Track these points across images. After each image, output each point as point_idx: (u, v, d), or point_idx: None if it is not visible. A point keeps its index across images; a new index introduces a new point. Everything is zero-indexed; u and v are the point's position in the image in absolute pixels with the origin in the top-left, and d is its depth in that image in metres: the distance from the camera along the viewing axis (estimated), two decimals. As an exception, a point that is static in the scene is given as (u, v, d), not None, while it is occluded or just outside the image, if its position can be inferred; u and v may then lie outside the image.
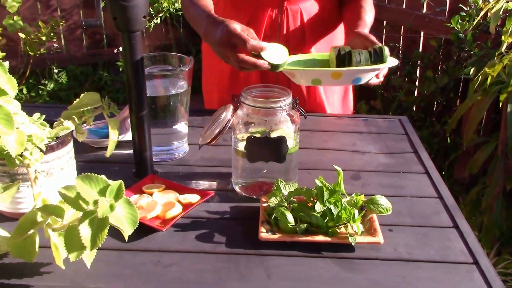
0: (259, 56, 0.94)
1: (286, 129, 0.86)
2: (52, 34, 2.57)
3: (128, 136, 1.07)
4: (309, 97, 1.25)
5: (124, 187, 0.68)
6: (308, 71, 0.98)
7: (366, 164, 1.04)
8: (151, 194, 0.89)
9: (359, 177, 0.99)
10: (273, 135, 0.85)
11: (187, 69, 0.97)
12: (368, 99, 2.54)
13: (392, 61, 1.00)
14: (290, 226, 0.78)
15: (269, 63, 0.94)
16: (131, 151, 1.01)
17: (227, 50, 0.95)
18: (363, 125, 1.22)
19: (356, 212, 0.78)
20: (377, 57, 0.98)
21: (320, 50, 1.22)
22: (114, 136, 0.83)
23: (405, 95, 2.37)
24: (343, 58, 0.99)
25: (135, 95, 0.89)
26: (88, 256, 0.68)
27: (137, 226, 0.67)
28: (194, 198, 0.88)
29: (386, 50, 0.99)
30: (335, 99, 1.31)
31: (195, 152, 1.06)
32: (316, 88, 1.24)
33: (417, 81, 2.42)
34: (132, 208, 0.67)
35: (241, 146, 0.87)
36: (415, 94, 2.40)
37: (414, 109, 2.37)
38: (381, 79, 1.04)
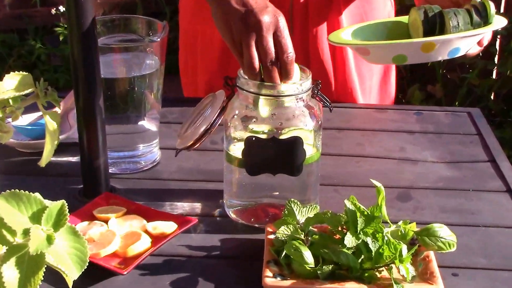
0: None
1: (303, 126, 0.87)
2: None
3: (73, 137, 1.08)
4: (337, 80, 1.27)
5: (67, 211, 0.69)
6: (388, 45, 0.98)
7: (419, 178, 1.05)
8: (106, 221, 0.90)
9: (409, 196, 1.00)
10: (284, 135, 0.86)
11: (159, 39, 0.98)
12: (423, 83, 2.56)
13: (499, 21, 0.98)
14: (308, 269, 0.79)
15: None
16: (77, 159, 1.02)
17: (267, 16, 0.85)
18: (416, 121, 1.23)
19: (404, 248, 0.79)
20: (479, 17, 0.97)
21: (355, 16, 1.23)
22: (52, 136, 0.84)
23: (479, 77, 2.38)
24: (433, 23, 0.98)
25: (83, 77, 0.90)
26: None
27: (86, 267, 0.68)
28: (168, 227, 0.89)
29: (492, 7, 0.97)
30: (374, 81, 1.33)
31: (170, 160, 1.07)
32: (345, 66, 1.25)
33: (496, 56, 2.43)
34: (79, 241, 0.68)
35: (237, 151, 0.88)
36: (493, 76, 2.41)
37: (491, 97, 2.38)
38: (485, 44, 1.02)
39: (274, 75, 0.85)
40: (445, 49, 0.96)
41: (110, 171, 0.99)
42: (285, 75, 0.86)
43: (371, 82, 1.32)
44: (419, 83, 2.55)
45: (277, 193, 0.90)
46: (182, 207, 0.96)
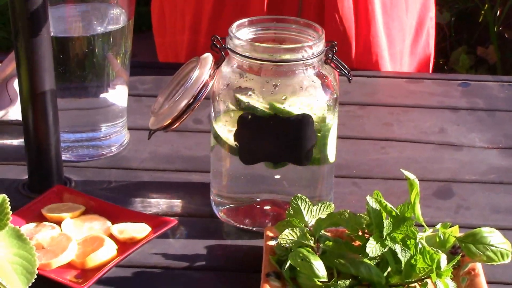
0: None
1: (313, 101, 0.88)
2: None
3: (14, 113, 1.09)
4: (359, 42, 1.28)
5: (9, 208, 0.70)
6: None
7: (464, 169, 1.06)
8: (58, 223, 0.91)
9: (451, 192, 1.01)
10: (289, 113, 0.87)
11: (126, -13, 0.99)
12: (472, 45, 2.56)
13: None
14: (319, 284, 0.80)
15: None
16: (20, 141, 1.03)
17: None
18: (461, 95, 1.24)
19: (443, 258, 0.80)
20: None
21: None
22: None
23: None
24: None
25: (27, 36, 0.90)
26: None
27: (33, 281, 0.69)
28: (139, 230, 0.90)
29: None
30: (406, 45, 1.33)
31: (141, 144, 1.08)
32: (371, 24, 1.26)
33: None
34: (25, 247, 0.68)
35: (229, 133, 0.89)
36: None
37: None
38: None
39: None
40: None
41: (63, 157, 1.00)
42: None
43: (402, 46, 1.32)
44: (467, 45, 2.54)
45: (280, 187, 0.92)
46: (157, 204, 0.97)
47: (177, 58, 1.34)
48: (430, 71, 1.41)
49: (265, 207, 0.92)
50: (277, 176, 0.90)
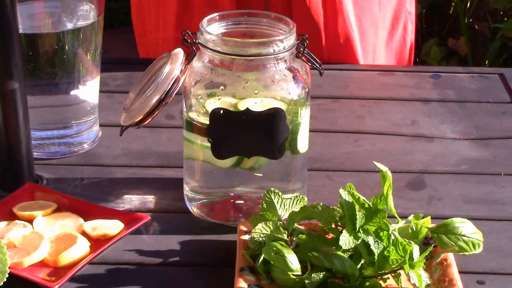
0: None
1: (285, 95, 0.88)
2: None
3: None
4: (328, 34, 1.28)
5: (-21, 208, 0.69)
6: None
7: (436, 160, 1.06)
8: (30, 221, 0.90)
9: (423, 184, 1.02)
10: (260, 107, 0.87)
11: (96, -18, 0.98)
12: (443, 36, 2.57)
13: None
14: (293, 277, 0.80)
15: None
16: (-10, 140, 1.02)
17: None
18: (432, 86, 1.25)
19: (416, 249, 0.81)
20: None
21: None
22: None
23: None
24: None
25: (-2, 33, 0.90)
26: None
27: (5, 280, 0.69)
28: (112, 227, 0.90)
29: None
30: (380, 38, 1.34)
31: (113, 141, 1.07)
32: (340, 15, 1.26)
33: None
34: (-4, 246, 0.68)
35: (201, 128, 0.89)
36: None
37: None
38: None
39: None
40: None
41: (34, 155, 0.99)
42: None
43: (375, 39, 1.33)
44: (438, 37, 2.56)
45: (253, 181, 0.92)
46: (130, 201, 0.97)
47: (147, 53, 1.34)
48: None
49: (239, 202, 0.93)
50: (250, 182, 0.90)
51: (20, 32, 0.92)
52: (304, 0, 1.23)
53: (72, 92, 1.02)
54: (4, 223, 0.89)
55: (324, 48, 1.28)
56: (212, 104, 0.87)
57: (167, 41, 1.30)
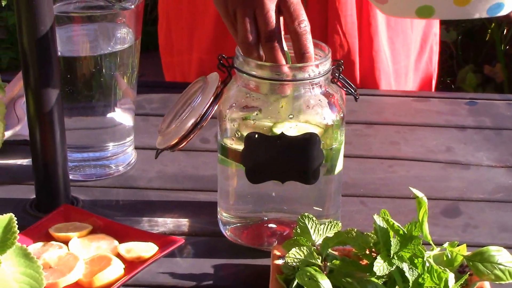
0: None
1: (320, 120, 0.88)
2: None
3: (22, 133, 1.09)
4: (362, 57, 1.28)
5: (16, 227, 0.70)
6: None
7: (471, 188, 1.06)
8: (65, 242, 0.91)
9: (458, 211, 1.01)
10: (295, 131, 0.87)
11: (133, 6, 0.99)
12: (479, 63, 2.56)
13: None
14: (327, 303, 0.80)
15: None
16: (28, 161, 1.03)
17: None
18: (468, 113, 1.24)
19: (451, 277, 0.80)
20: None
21: None
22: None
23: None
24: None
25: (35, 56, 0.90)
26: None
27: (41, 301, 0.69)
28: (146, 249, 0.90)
29: None
30: (411, 60, 1.33)
31: (148, 164, 1.08)
32: (375, 40, 1.26)
33: None
34: (33, 266, 0.69)
35: (235, 152, 0.89)
36: None
37: None
38: None
39: (276, 53, 0.87)
40: (485, 3, 0.99)
41: (71, 177, 1.00)
42: (298, 51, 0.87)
43: (407, 61, 1.33)
44: (473, 63, 2.55)
45: (287, 206, 0.92)
46: (165, 223, 0.97)
47: (184, 77, 1.35)
48: (433, 89, 1.41)
49: (272, 226, 0.93)
50: (273, 194, 0.90)
51: (58, 55, 0.93)
52: (339, 24, 1.23)
53: (109, 115, 1.03)
54: (40, 244, 0.90)
55: (357, 71, 1.28)
56: (247, 128, 0.87)
57: (200, 63, 1.31)
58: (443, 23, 1.34)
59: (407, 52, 1.31)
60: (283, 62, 0.87)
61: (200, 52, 1.30)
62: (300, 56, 0.87)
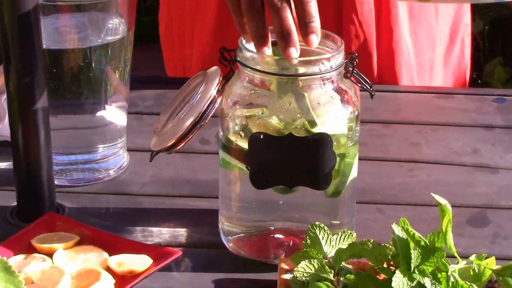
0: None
1: (332, 118, 0.88)
2: None
3: (2, 133, 1.09)
4: (380, 49, 1.28)
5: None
6: None
7: (501, 194, 1.05)
8: (50, 254, 0.91)
9: (486, 220, 1.01)
10: (304, 132, 0.87)
11: (126, -6, 0.99)
12: (509, 55, 2.55)
13: None
14: (340, 322, 0.80)
15: None
16: (9, 164, 1.03)
17: None
18: (496, 111, 1.24)
19: (478, 293, 0.80)
20: None
21: None
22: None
23: None
24: None
25: (17, 49, 0.91)
26: None
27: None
28: (140, 262, 0.90)
29: None
30: (437, 53, 1.33)
31: (142, 167, 1.08)
32: (395, 30, 1.26)
33: None
34: (14, 280, 0.69)
35: (239, 154, 0.89)
36: None
37: None
38: None
39: (291, 45, 0.86)
40: None
41: (56, 182, 1.00)
42: (302, 20, 0.86)
43: (432, 55, 1.32)
44: (502, 56, 2.55)
45: (295, 214, 0.92)
46: (160, 234, 0.97)
47: (184, 72, 1.35)
48: (466, 86, 1.40)
49: (279, 237, 0.92)
50: (281, 202, 0.90)
51: (43, 47, 0.92)
52: (355, 12, 1.23)
53: (98, 113, 1.03)
54: (22, 256, 0.90)
55: (375, 65, 1.27)
56: (251, 127, 0.87)
57: (202, 57, 1.31)
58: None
59: (431, 44, 1.31)
60: (297, 54, 0.87)
61: (201, 45, 1.30)
62: (304, 27, 0.87)
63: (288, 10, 0.87)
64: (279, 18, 0.86)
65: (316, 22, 0.87)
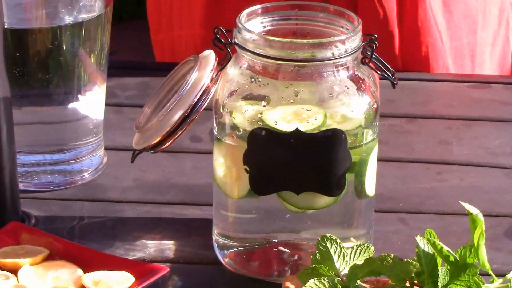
0: None
1: (346, 112, 0.89)
2: None
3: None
4: (403, 30, 1.28)
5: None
6: None
7: (545, 201, 1.06)
8: (14, 271, 0.91)
9: (527, 232, 1.02)
10: (313, 128, 0.88)
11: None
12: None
13: None
14: None
15: None
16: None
17: None
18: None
19: (517, 317, 0.81)
20: None
21: None
22: None
23: None
24: None
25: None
26: None
27: None
28: (120, 280, 0.90)
29: None
30: (481, 36, 1.33)
31: (122, 169, 1.09)
32: (421, 7, 1.27)
33: None
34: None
35: (236, 154, 0.90)
36: None
37: None
38: None
39: None
40: None
41: (21, 186, 1.01)
42: None
43: (472, 38, 1.32)
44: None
45: (303, 225, 0.92)
46: (144, 247, 0.97)
47: (174, 57, 1.35)
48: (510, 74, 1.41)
49: (284, 251, 0.93)
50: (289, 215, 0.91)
51: (5, 26, 0.93)
52: None
53: (70, 105, 1.03)
54: (-19, 273, 0.91)
55: (398, 51, 1.28)
56: (251, 122, 0.88)
57: (193, 39, 1.31)
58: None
59: (471, 26, 1.30)
60: None
61: (192, 26, 1.30)
62: None
63: None
64: None
65: None
